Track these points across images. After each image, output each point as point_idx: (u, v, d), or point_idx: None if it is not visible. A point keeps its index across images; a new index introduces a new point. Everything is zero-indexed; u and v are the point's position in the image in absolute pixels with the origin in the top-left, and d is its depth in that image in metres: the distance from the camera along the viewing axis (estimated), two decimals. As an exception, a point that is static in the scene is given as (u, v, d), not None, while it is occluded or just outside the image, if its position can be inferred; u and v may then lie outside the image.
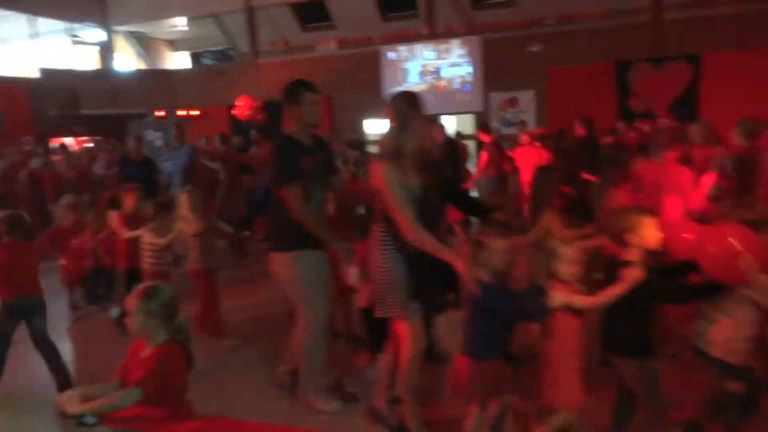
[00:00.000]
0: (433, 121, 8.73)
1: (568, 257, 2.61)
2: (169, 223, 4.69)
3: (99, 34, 17.40)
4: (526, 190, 7.50)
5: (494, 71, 13.53)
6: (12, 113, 13.98)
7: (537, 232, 3.67)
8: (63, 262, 5.64)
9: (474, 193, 7.65)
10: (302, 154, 3.31)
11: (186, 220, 4.58)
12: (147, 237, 4.72)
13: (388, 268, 2.90)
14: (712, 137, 5.19)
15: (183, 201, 4.63)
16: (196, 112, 15.19)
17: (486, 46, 13.70)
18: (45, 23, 15.99)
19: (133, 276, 4.86)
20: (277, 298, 4.97)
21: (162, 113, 14.74)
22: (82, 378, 4.08)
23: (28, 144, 10.96)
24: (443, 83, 14.25)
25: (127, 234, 4.95)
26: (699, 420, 2.85)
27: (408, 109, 2.84)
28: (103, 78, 16.53)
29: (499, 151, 8.20)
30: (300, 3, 15.80)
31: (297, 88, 3.37)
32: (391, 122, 2.89)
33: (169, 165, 8.10)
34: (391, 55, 14.67)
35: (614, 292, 2.52)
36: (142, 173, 6.76)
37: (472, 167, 9.71)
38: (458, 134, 12.08)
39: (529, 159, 7.86)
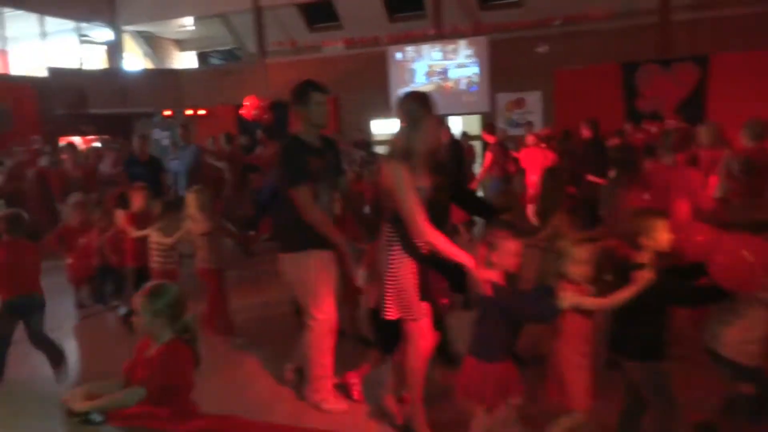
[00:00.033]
0: (440, 121, 8.72)
1: (579, 258, 2.60)
2: (177, 222, 4.71)
3: (107, 34, 17.48)
4: (532, 191, 7.48)
5: (501, 72, 13.50)
6: (20, 112, 14.06)
7: (547, 233, 3.66)
8: (70, 260, 5.67)
9: (478, 194, 7.63)
10: (310, 155, 3.32)
11: (194, 219, 4.60)
12: (154, 236, 4.74)
13: (396, 268, 2.90)
14: (719, 139, 5.17)
15: (191, 200, 4.65)
16: (203, 112, 15.23)
17: (493, 46, 13.68)
18: (54, 22, 16.08)
19: (141, 275, 4.89)
20: (283, 297, 5.00)
21: (169, 113, 14.80)
22: (88, 376, 4.11)
23: (36, 143, 11.01)
24: (450, 84, 14.24)
25: (135, 233, 4.97)
26: (711, 422, 2.84)
27: (419, 109, 2.84)
28: (111, 77, 16.60)
29: (504, 151, 8.20)
30: (307, 3, 15.81)
31: (305, 89, 3.37)
32: (401, 122, 2.88)
33: (175, 164, 8.12)
34: (398, 55, 14.67)
35: (626, 294, 2.50)
36: (148, 172, 6.77)
37: (478, 168, 9.70)
38: (465, 135, 12.06)
39: (534, 160, 7.85)
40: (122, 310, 5.33)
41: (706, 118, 9.57)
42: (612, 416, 2.84)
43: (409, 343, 2.98)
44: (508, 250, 2.58)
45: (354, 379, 3.55)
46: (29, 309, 3.97)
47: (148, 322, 2.28)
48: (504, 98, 13.70)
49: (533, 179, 7.66)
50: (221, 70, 18.67)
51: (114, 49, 17.59)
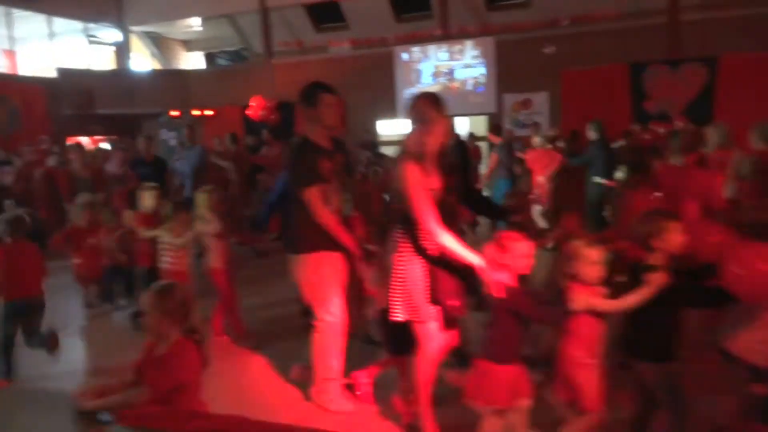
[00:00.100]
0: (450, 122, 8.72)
1: (591, 259, 2.58)
2: (187, 222, 4.72)
3: (115, 35, 17.56)
4: (539, 193, 7.47)
5: (508, 72, 13.48)
6: (29, 112, 14.15)
7: (558, 234, 3.63)
8: (77, 260, 5.70)
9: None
10: (320, 156, 3.32)
11: (204, 220, 4.61)
12: (164, 236, 4.75)
13: (404, 270, 2.89)
14: (727, 139, 5.14)
15: (201, 201, 4.66)
16: (210, 112, 15.28)
17: (500, 47, 13.66)
18: (62, 23, 16.17)
19: (151, 275, 4.91)
20: (290, 297, 5.00)
21: (176, 113, 14.85)
22: (97, 375, 4.13)
23: (44, 143, 11.07)
24: (456, 84, 14.23)
25: (146, 233, 4.99)
26: (725, 425, 2.82)
27: (431, 109, 2.84)
28: (119, 78, 16.67)
29: (510, 152, 8.19)
30: (314, 4, 15.84)
31: (314, 90, 3.37)
32: (413, 123, 2.88)
33: (181, 165, 8.14)
34: (404, 56, 14.67)
35: (639, 296, 2.49)
36: (153, 173, 6.78)
37: (484, 169, 9.68)
38: (471, 135, 12.05)
39: (541, 161, 7.84)
40: (130, 310, 5.36)
41: (715, 119, 9.52)
42: (622, 418, 2.83)
43: (418, 345, 2.98)
44: (520, 251, 2.57)
45: (363, 380, 3.55)
46: (31, 311, 4.02)
47: (157, 321, 2.29)
48: (511, 99, 13.68)
49: (539, 180, 7.65)
50: (228, 70, 18.74)
51: (122, 50, 17.68)
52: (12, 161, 9.87)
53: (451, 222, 2.83)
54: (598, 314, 2.61)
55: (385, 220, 3.38)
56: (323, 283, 3.37)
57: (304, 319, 4.69)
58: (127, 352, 4.10)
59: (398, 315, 2.95)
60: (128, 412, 2.13)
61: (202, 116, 14.94)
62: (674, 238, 2.56)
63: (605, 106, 10.71)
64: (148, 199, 5.21)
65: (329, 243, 3.31)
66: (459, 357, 3.58)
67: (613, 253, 2.75)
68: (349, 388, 3.59)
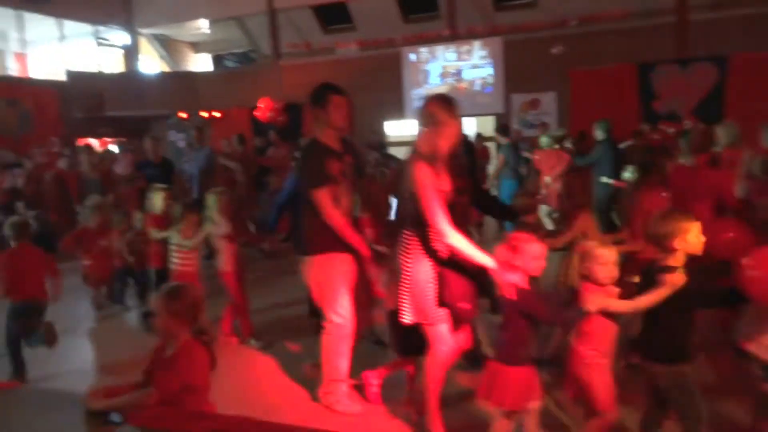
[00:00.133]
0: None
1: (605, 259, 2.56)
2: (197, 224, 4.74)
3: (124, 37, 17.68)
4: (547, 192, 7.43)
5: (516, 73, 13.45)
6: (41, 115, 14.27)
7: (571, 235, 3.61)
8: (87, 262, 5.73)
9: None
10: (330, 157, 3.33)
11: (215, 222, 4.63)
12: (174, 238, 4.77)
13: (413, 272, 2.89)
14: (737, 139, 5.11)
15: (211, 203, 4.68)
16: (218, 114, 15.34)
17: (507, 47, 13.63)
18: (72, 26, 16.30)
19: (161, 276, 4.93)
20: (298, 298, 5.01)
21: (185, 115, 14.92)
22: (107, 376, 4.16)
23: (55, 145, 11.16)
24: (464, 85, 14.21)
25: (156, 235, 5.02)
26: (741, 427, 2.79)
27: (443, 112, 2.84)
28: (128, 80, 16.78)
29: (516, 153, 8.16)
30: (321, 5, 15.88)
31: (323, 91, 3.38)
32: (425, 125, 2.87)
33: (189, 166, 8.16)
34: (411, 56, 14.67)
35: (655, 297, 2.45)
36: (161, 174, 6.77)
37: (492, 169, 9.65)
38: (479, 136, 12.03)
39: (548, 161, 7.80)
40: (140, 311, 5.39)
41: (725, 118, 9.45)
42: (631, 420, 2.82)
43: (429, 348, 2.97)
44: (532, 253, 2.56)
45: (372, 381, 3.55)
46: (34, 312, 4.10)
47: (166, 323, 2.30)
48: (519, 99, 13.64)
49: (546, 181, 7.62)
50: (236, 72, 18.81)
51: (130, 53, 17.80)
52: (23, 163, 9.96)
53: (462, 224, 2.83)
54: (611, 315, 2.59)
55: (394, 221, 3.38)
56: (332, 285, 3.37)
57: (313, 320, 4.70)
58: (136, 353, 4.13)
59: (408, 317, 2.95)
60: (138, 413, 2.14)
61: (211, 118, 15.00)
62: (693, 239, 2.53)
63: (614, 106, 10.65)
64: (158, 201, 5.23)
65: (339, 244, 3.31)
66: (471, 358, 3.58)
67: (626, 253, 2.73)
68: (358, 389, 3.59)
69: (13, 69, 16.17)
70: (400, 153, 9.37)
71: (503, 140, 8.23)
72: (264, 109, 13.15)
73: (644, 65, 11.71)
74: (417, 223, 2.86)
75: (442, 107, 2.84)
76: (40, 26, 15.64)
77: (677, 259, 2.51)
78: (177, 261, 4.73)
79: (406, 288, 2.92)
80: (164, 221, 5.10)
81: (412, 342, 3.12)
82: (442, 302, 2.87)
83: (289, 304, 5.56)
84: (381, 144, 12.50)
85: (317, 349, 3.53)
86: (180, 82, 17.28)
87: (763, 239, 2.92)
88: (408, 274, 2.91)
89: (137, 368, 2.39)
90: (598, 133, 7.14)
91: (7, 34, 15.89)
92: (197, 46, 20.09)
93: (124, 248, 5.48)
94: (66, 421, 2.17)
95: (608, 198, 6.84)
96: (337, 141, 3.43)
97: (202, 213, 4.76)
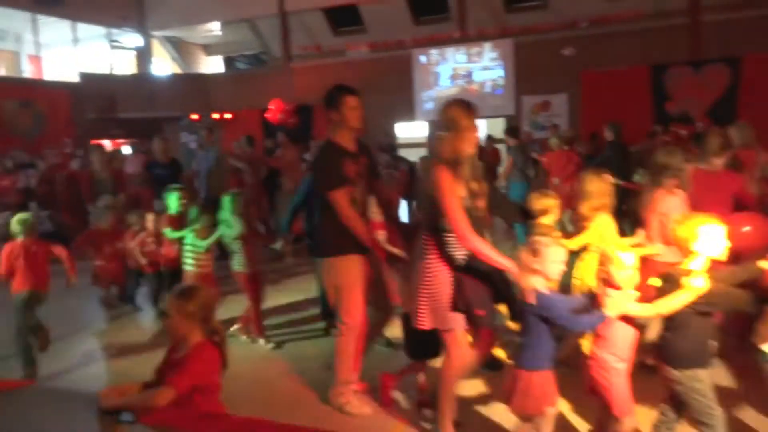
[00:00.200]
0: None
1: (626, 263, 2.51)
2: (211, 225, 4.75)
3: (136, 39, 17.82)
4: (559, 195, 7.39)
5: (526, 74, 13.40)
6: (54, 117, 14.41)
7: (589, 238, 3.57)
8: (98, 262, 5.76)
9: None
10: (345, 159, 3.33)
11: (229, 223, 4.64)
12: (190, 239, 4.78)
13: (431, 278, 2.88)
14: (750, 140, 5.06)
15: (226, 204, 4.69)
16: (230, 116, 15.41)
17: (518, 49, 13.59)
18: (85, 29, 16.45)
19: (174, 277, 4.96)
20: (310, 299, 5.03)
21: (196, 116, 15.00)
22: (119, 375, 4.18)
23: (67, 146, 11.27)
24: (475, 87, 14.18)
25: (171, 235, 5.04)
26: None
27: (464, 117, 2.83)
28: (140, 82, 16.90)
29: (525, 155, 8.13)
30: (332, 7, 15.92)
31: (337, 93, 3.38)
32: (444, 129, 2.86)
33: (197, 167, 8.17)
34: (422, 58, 14.66)
35: (677, 302, 2.40)
36: (169, 174, 6.77)
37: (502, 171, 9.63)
38: (490, 138, 12.00)
39: (557, 162, 7.77)
40: (153, 312, 5.42)
41: (738, 120, 9.37)
42: (643, 422, 2.79)
43: (446, 353, 2.96)
44: (552, 256, 2.52)
45: (386, 383, 3.55)
46: (37, 303, 4.29)
47: (178, 324, 2.31)
48: (529, 101, 13.60)
49: (555, 182, 7.58)
50: (247, 74, 18.89)
51: (143, 55, 17.93)
52: (36, 164, 10.06)
53: (480, 228, 2.82)
54: (631, 319, 2.55)
55: (407, 224, 3.36)
56: (347, 287, 3.37)
57: (326, 321, 4.71)
58: (149, 353, 4.16)
59: (425, 323, 2.93)
60: (150, 412, 2.15)
61: (222, 119, 15.07)
62: (717, 243, 2.48)
63: (625, 108, 10.59)
64: (173, 201, 5.24)
65: (354, 246, 3.32)
66: (490, 363, 3.56)
67: (647, 257, 2.69)
68: (369, 391, 3.58)
69: (28, 71, 16.35)
70: (410, 155, 9.38)
71: (512, 142, 8.21)
72: (275, 110, 13.21)
73: (657, 67, 11.65)
74: (434, 228, 2.84)
75: (464, 112, 2.84)
76: (54, 29, 15.80)
77: (700, 263, 2.47)
78: (192, 262, 4.75)
79: (425, 293, 2.90)
80: (179, 222, 5.12)
81: (426, 345, 3.10)
82: (458, 308, 2.86)
83: (300, 305, 5.57)
84: (391, 146, 12.52)
85: (329, 351, 3.53)
86: (192, 84, 17.39)
87: None
88: (426, 279, 2.89)
89: (150, 368, 2.40)
90: (608, 135, 7.11)
91: (22, 37, 16.08)
92: (209, 48, 20.21)
93: (136, 249, 5.51)
94: (78, 420, 2.17)
95: (617, 199, 6.79)
96: (352, 142, 3.43)
97: (217, 214, 4.78)
